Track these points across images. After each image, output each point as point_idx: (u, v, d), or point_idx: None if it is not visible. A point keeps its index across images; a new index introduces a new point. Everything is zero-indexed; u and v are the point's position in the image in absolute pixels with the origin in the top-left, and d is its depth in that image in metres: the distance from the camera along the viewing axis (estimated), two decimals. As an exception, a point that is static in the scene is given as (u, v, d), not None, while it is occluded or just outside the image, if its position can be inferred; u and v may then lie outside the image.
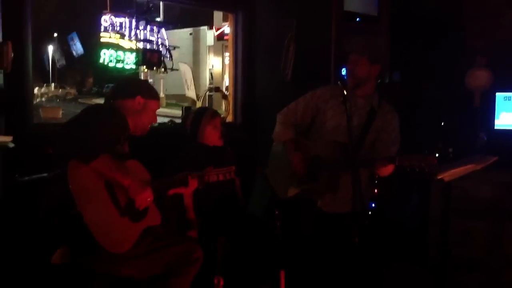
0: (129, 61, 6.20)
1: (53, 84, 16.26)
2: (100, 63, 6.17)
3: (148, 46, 6.26)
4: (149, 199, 2.70)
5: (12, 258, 3.27)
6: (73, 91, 16.90)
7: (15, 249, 3.29)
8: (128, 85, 2.90)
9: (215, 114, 3.69)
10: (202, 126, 3.55)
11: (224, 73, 24.73)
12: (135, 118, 2.78)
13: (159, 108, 2.96)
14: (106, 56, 6.17)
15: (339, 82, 3.20)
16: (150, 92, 2.88)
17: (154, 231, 2.80)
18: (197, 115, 3.63)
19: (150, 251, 2.71)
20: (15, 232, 3.27)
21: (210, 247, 3.07)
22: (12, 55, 2.74)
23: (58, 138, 2.44)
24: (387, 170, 3.06)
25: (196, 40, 25.65)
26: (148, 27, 6.61)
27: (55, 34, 16.56)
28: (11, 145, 3.05)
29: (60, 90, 16.55)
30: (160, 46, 6.44)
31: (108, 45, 6.44)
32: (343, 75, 4.76)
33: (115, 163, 2.53)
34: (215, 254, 3.27)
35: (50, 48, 16.72)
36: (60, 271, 2.62)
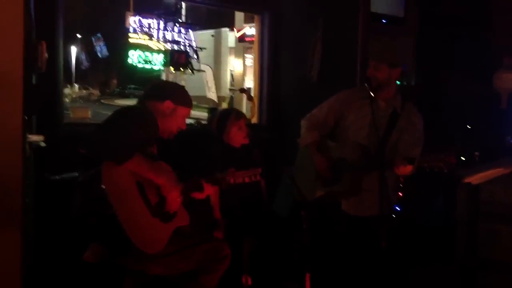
0: (156, 62, 6.24)
1: (76, 85, 16.43)
2: (128, 64, 6.22)
3: (176, 47, 6.29)
4: (178, 199, 2.72)
5: (44, 255, 3.31)
6: (96, 92, 17.07)
7: (47, 247, 3.34)
8: (160, 88, 2.91)
9: (240, 115, 3.71)
10: (228, 127, 3.58)
11: (245, 75, 24.79)
12: (163, 121, 2.77)
13: (189, 115, 2.93)
14: (134, 57, 6.22)
15: (366, 84, 3.21)
16: (182, 98, 2.86)
17: (183, 231, 2.83)
18: (222, 116, 3.65)
19: (180, 250, 2.75)
20: (46, 230, 3.32)
21: (236, 247, 3.09)
22: (47, 55, 2.78)
23: (92, 140, 2.47)
24: (406, 170, 3.04)
25: (218, 41, 25.73)
26: (176, 28, 6.64)
27: (79, 35, 16.74)
28: (43, 144, 3.09)
29: (83, 91, 16.74)
30: (187, 47, 6.47)
31: (137, 46, 6.50)
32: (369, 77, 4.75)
33: (148, 163, 2.56)
34: (241, 254, 3.29)
35: (74, 49, 16.90)
36: (91, 268, 2.66)
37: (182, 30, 6.78)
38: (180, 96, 2.87)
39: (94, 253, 2.62)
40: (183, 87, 3.11)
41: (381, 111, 3.30)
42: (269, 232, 3.50)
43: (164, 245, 2.64)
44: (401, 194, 4.16)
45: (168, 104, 2.78)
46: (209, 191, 3.02)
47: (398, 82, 4.89)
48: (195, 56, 6.28)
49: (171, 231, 2.72)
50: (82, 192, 2.54)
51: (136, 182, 2.56)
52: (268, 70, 4.96)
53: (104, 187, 2.43)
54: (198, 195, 2.99)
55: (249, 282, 3.13)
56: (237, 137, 3.59)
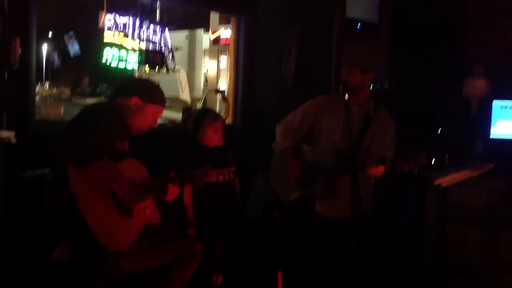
0: (131, 61, 6.19)
1: (47, 83, 16.16)
2: (102, 62, 6.15)
3: (151, 47, 6.26)
4: (147, 210, 2.64)
5: (13, 253, 3.26)
6: (67, 90, 16.80)
7: (16, 245, 3.29)
8: (128, 84, 2.86)
9: (216, 116, 3.73)
10: (203, 127, 3.59)
11: (219, 77, 24.73)
12: (130, 118, 2.73)
13: (160, 113, 2.88)
14: (109, 55, 6.15)
15: (340, 87, 3.26)
16: (151, 95, 2.80)
17: (154, 228, 2.81)
18: (198, 117, 3.65)
19: (151, 246, 2.73)
20: (16, 227, 3.27)
21: (208, 247, 3.09)
22: (20, 51, 2.74)
23: (59, 140, 2.43)
24: (378, 171, 3.09)
25: (192, 42, 25.58)
26: (151, 28, 6.61)
27: (50, 33, 16.49)
28: (14, 140, 3.06)
29: (54, 89, 16.48)
30: (163, 47, 6.44)
31: (111, 45, 6.43)
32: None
33: (111, 171, 2.52)
34: (214, 254, 3.30)
35: (45, 47, 16.65)
36: (62, 267, 2.63)
37: (158, 29, 6.75)
38: (149, 93, 2.80)
39: (63, 252, 2.60)
40: (154, 84, 3.01)
41: (354, 115, 3.35)
42: (242, 232, 3.50)
43: (132, 240, 2.61)
44: (371, 198, 4.23)
45: (135, 101, 2.73)
46: (174, 194, 2.92)
47: (371, 87, 4.98)
48: (171, 56, 6.26)
49: (140, 228, 2.69)
50: (50, 190, 2.52)
51: (102, 177, 2.52)
52: (244, 72, 4.98)
53: (71, 185, 2.40)
54: (164, 198, 2.88)
55: (219, 281, 3.14)
56: (212, 138, 3.60)
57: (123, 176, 2.62)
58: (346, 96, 3.28)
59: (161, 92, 2.89)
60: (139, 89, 2.77)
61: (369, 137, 3.31)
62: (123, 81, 2.94)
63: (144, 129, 2.81)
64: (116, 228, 2.56)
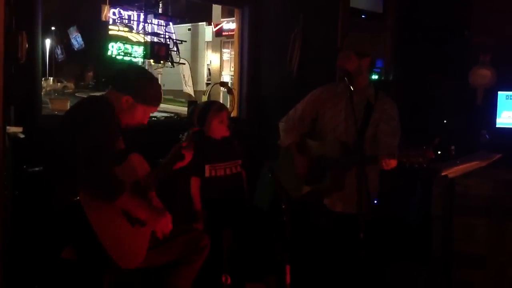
0: (136, 54, 6.19)
1: (51, 78, 16.20)
2: (107, 56, 6.15)
3: (156, 40, 6.26)
4: (169, 226, 2.63)
5: (22, 250, 3.27)
6: (71, 85, 16.85)
7: (24, 241, 3.30)
8: (124, 79, 2.72)
9: (222, 107, 3.72)
10: (209, 119, 3.58)
11: (222, 69, 24.76)
12: (121, 114, 2.65)
13: (151, 112, 2.78)
14: (114, 49, 6.15)
15: (345, 79, 3.23)
16: (144, 96, 2.68)
17: None
18: (204, 109, 3.65)
19: (158, 243, 2.72)
20: (24, 223, 3.28)
21: (216, 240, 3.10)
22: (27, 45, 2.74)
23: (57, 133, 2.41)
24: (390, 165, 3.08)
25: (194, 35, 25.62)
26: (156, 21, 6.62)
27: (53, 28, 16.51)
28: (22, 135, 3.06)
29: (58, 84, 16.52)
30: (168, 39, 6.45)
31: (116, 38, 6.44)
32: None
33: (132, 199, 2.49)
34: (221, 247, 3.30)
35: (48, 41, 16.66)
36: (70, 263, 2.63)
37: (163, 22, 6.75)
38: (142, 93, 2.67)
39: (71, 252, 2.58)
40: (151, 81, 2.80)
41: (356, 104, 3.33)
42: (249, 225, 3.51)
43: (144, 255, 2.59)
44: (378, 189, 4.23)
45: (127, 99, 2.64)
46: (190, 157, 2.93)
47: (374, 76, 4.96)
48: (175, 49, 6.25)
49: (150, 233, 2.66)
50: (60, 203, 2.49)
51: None
52: (248, 64, 4.97)
53: (82, 203, 2.36)
54: (182, 164, 2.91)
55: (229, 281, 3.14)
56: (218, 129, 3.59)
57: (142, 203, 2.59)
58: (347, 83, 3.13)
59: (155, 91, 2.76)
60: (133, 88, 2.65)
61: (373, 125, 3.29)
62: (119, 73, 2.81)
63: (132, 126, 2.72)
64: (129, 243, 2.53)
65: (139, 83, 2.68)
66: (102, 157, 2.35)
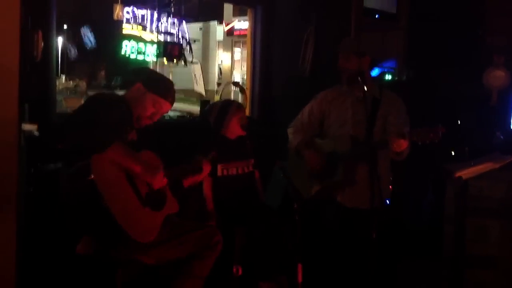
0: (150, 53, 6.22)
1: (63, 76, 16.26)
2: (121, 55, 6.18)
3: (169, 39, 6.29)
4: (164, 180, 2.72)
5: (37, 248, 3.29)
6: (83, 83, 16.89)
7: (38, 237, 3.32)
8: (140, 70, 2.86)
9: (241, 106, 3.75)
10: (229, 117, 3.58)
11: (233, 69, 24.74)
12: (133, 106, 2.70)
13: (163, 108, 2.80)
14: (127, 48, 6.18)
15: (359, 79, 3.24)
16: (155, 86, 2.74)
17: (172, 219, 2.84)
18: (222, 108, 3.64)
19: (171, 238, 2.75)
20: (38, 220, 3.30)
21: (228, 238, 3.10)
22: (42, 44, 2.76)
23: (65, 134, 2.41)
24: (401, 145, 3.07)
25: (206, 34, 25.60)
26: (169, 20, 6.64)
27: (65, 26, 16.60)
28: (36, 133, 3.08)
29: (70, 82, 16.59)
30: (181, 39, 6.47)
31: (130, 37, 6.46)
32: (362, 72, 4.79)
33: (126, 150, 2.52)
34: (233, 245, 3.30)
35: (61, 40, 16.75)
36: (84, 259, 2.66)
37: (176, 21, 6.78)
38: (154, 82, 2.75)
39: (86, 246, 2.62)
40: (165, 78, 2.93)
41: (361, 101, 3.35)
42: (262, 224, 3.51)
43: (155, 234, 2.63)
44: (391, 188, 4.21)
45: (138, 86, 2.71)
46: (207, 171, 3.05)
47: (388, 76, 4.94)
48: (188, 48, 6.27)
49: (161, 220, 2.71)
50: (71, 184, 2.52)
51: (125, 173, 2.54)
52: (261, 64, 4.97)
53: (93, 178, 2.40)
54: (198, 177, 3.03)
55: (240, 272, 3.15)
56: (236, 128, 3.59)
57: (137, 155, 2.62)
58: (361, 83, 3.20)
59: (168, 87, 2.82)
60: (145, 77, 2.74)
61: (381, 120, 3.31)
62: (134, 71, 2.92)
63: (143, 119, 2.75)
64: (141, 220, 2.57)
65: (152, 74, 2.83)
66: (104, 118, 2.43)
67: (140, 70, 2.88)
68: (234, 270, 3.22)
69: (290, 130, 3.58)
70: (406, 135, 3.04)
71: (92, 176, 2.40)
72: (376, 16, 4.97)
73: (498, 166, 3.41)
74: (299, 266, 2.81)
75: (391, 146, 3.08)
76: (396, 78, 5.20)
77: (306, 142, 3.46)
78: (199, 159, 3.03)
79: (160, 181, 2.69)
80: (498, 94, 4.72)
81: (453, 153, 4.26)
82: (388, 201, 4.11)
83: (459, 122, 4.65)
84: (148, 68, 2.85)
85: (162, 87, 2.77)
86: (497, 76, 4.72)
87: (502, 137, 4.49)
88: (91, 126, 2.39)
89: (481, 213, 4.03)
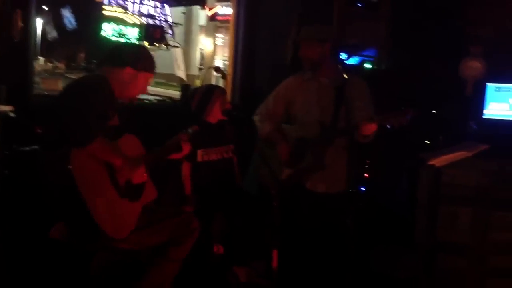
0: (131, 36, 6.16)
1: (41, 58, 16.02)
2: (101, 37, 6.11)
3: (151, 22, 6.23)
4: (144, 175, 2.73)
5: (10, 228, 3.28)
6: (62, 65, 16.67)
7: (13, 220, 3.31)
8: (120, 53, 2.76)
9: (224, 91, 3.77)
10: (212, 102, 3.57)
11: (215, 54, 24.60)
12: (123, 88, 2.69)
13: (151, 79, 2.85)
14: (108, 30, 6.11)
15: (339, 67, 3.29)
16: (143, 64, 2.75)
17: (150, 206, 2.85)
18: (206, 93, 3.63)
19: (149, 225, 2.76)
20: (13, 201, 3.29)
21: (206, 224, 3.13)
22: (21, 24, 2.73)
23: (50, 122, 2.42)
24: (371, 129, 3.13)
25: (188, 19, 25.38)
26: (152, 3, 6.57)
27: (45, 7, 16.34)
28: (12, 114, 3.06)
29: (49, 64, 16.36)
30: (163, 22, 6.41)
31: (111, 19, 6.38)
32: (343, 60, 4.83)
33: (106, 144, 2.51)
34: (211, 230, 3.34)
35: (39, 21, 16.49)
36: (59, 244, 2.65)
37: (158, 4, 6.71)
38: (141, 61, 2.74)
39: (60, 231, 2.60)
40: (144, 48, 2.98)
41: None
42: (239, 209, 3.54)
43: (133, 227, 2.63)
44: (366, 175, 4.27)
45: (128, 71, 2.68)
46: (187, 151, 3.04)
47: (368, 65, 4.98)
48: (170, 32, 6.20)
49: (140, 209, 2.71)
50: (49, 171, 2.49)
51: (105, 163, 2.52)
52: (243, 50, 4.97)
53: (72, 170, 2.37)
54: (177, 156, 3.02)
55: (221, 250, 3.18)
56: (218, 112, 3.59)
57: (117, 148, 2.62)
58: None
59: (151, 57, 2.85)
60: (132, 59, 2.70)
61: (346, 104, 3.34)
62: (112, 50, 2.83)
63: (136, 97, 2.82)
64: (117, 214, 2.56)
65: (135, 54, 2.76)
66: (88, 110, 2.39)
67: (121, 51, 2.80)
68: (215, 249, 3.26)
69: (256, 118, 3.60)
70: (375, 119, 3.09)
71: (70, 166, 2.38)
72: (358, 5, 5.00)
73: (471, 154, 3.48)
74: (275, 252, 2.85)
75: (360, 130, 3.13)
76: (376, 67, 5.25)
77: (276, 131, 3.50)
78: (179, 137, 3.01)
79: (140, 176, 2.70)
80: (473, 85, 4.79)
81: (427, 141, 4.32)
82: (363, 188, 4.19)
83: (434, 111, 4.72)
84: (127, 47, 2.82)
85: (149, 63, 2.79)
86: (473, 67, 4.78)
87: (475, 126, 4.57)
88: (76, 116, 2.36)
89: (454, 201, 4.10)
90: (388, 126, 3.07)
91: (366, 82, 3.51)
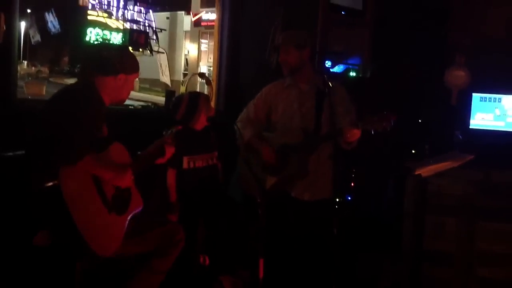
0: (115, 41, 6.12)
1: (25, 61, 15.90)
2: (86, 41, 6.07)
3: (135, 27, 6.21)
4: (131, 177, 2.71)
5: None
6: (45, 69, 16.56)
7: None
8: (111, 61, 2.74)
9: (208, 97, 3.75)
10: (199, 111, 3.54)
11: (200, 60, 24.60)
12: (114, 94, 2.71)
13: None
14: (92, 35, 6.06)
15: (324, 76, 3.29)
16: (132, 66, 2.78)
17: (135, 215, 2.78)
18: (193, 99, 3.59)
19: (134, 234, 2.72)
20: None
21: (190, 231, 3.10)
22: (4, 28, 2.69)
23: (39, 141, 2.38)
24: (355, 135, 3.13)
25: (173, 24, 25.39)
26: (136, 8, 6.56)
27: (29, 10, 16.23)
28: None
29: (32, 68, 16.24)
30: (147, 27, 6.40)
31: (95, 24, 6.35)
32: (328, 67, 4.83)
33: (95, 158, 2.49)
34: (196, 238, 3.30)
35: (23, 24, 16.35)
36: (43, 250, 2.59)
37: (142, 10, 6.70)
38: (130, 64, 2.77)
39: (44, 238, 2.53)
40: (127, 49, 3.03)
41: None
42: (225, 217, 3.51)
43: (120, 242, 2.58)
44: (352, 184, 4.27)
45: (121, 77, 2.70)
46: (171, 153, 3.00)
47: (352, 73, 4.99)
48: (155, 37, 6.18)
49: (126, 221, 2.67)
50: (36, 184, 2.43)
51: (92, 177, 2.49)
52: (228, 55, 4.95)
53: (63, 193, 2.34)
54: (162, 160, 2.99)
55: (207, 261, 3.14)
56: (204, 119, 3.57)
57: (108, 161, 2.59)
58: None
59: (134, 56, 2.87)
60: (123, 65, 2.73)
61: (327, 110, 3.34)
62: (102, 59, 2.77)
63: (125, 99, 2.84)
64: (104, 230, 2.52)
65: (123, 58, 2.77)
66: (77, 128, 2.38)
67: (110, 59, 2.75)
68: (201, 259, 3.22)
69: (238, 125, 3.55)
70: (360, 124, 3.09)
71: (59, 182, 2.34)
72: (342, 13, 5.02)
73: (457, 165, 3.49)
74: (261, 261, 2.83)
75: (344, 136, 3.13)
76: (360, 75, 5.26)
77: (258, 137, 3.48)
78: (161, 140, 2.98)
79: (128, 180, 2.67)
80: (458, 94, 4.82)
81: (413, 151, 4.33)
82: (349, 197, 4.18)
83: (420, 120, 4.74)
84: (114, 54, 2.78)
85: (134, 63, 2.82)
86: (458, 76, 4.81)
87: (461, 136, 4.59)
88: (65, 135, 2.34)
89: (440, 210, 4.12)
90: (372, 131, 3.07)
91: (344, 87, 3.52)
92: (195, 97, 3.64)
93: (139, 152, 2.92)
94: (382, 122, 3.05)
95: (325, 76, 3.39)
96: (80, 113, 2.46)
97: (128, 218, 2.69)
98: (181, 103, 3.59)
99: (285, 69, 3.45)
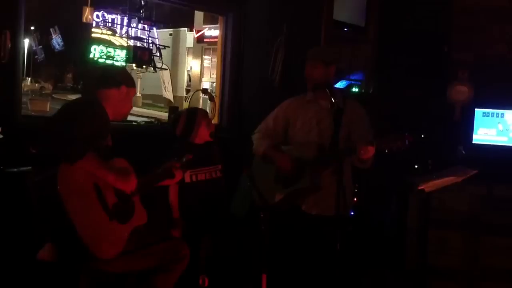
0: (119, 58, 6.17)
1: (29, 78, 15.99)
2: (90, 58, 6.12)
3: (139, 44, 6.27)
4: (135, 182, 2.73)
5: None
6: (49, 86, 16.64)
7: (1, 242, 3.24)
8: (113, 75, 2.90)
9: (206, 112, 3.78)
10: (197, 125, 3.59)
11: (202, 76, 24.74)
12: (117, 107, 2.81)
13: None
14: (96, 52, 6.12)
15: (327, 90, 3.30)
16: (131, 80, 2.95)
17: (139, 230, 2.80)
18: (191, 113, 3.66)
19: (138, 249, 2.72)
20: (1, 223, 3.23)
21: (194, 247, 3.09)
22: (10, 45, 2.72)
23: (41, 138, 2.43)
24: (369, 152, 3.10)
25: (176, 41, 25.58)
26: (140, 25, 6.63)
27: (33, 28, 16.35)
28: (0, 136, 3.02)
29: (36, 84, 16.33)
30: (151, 44, 6.45)
31: (99, 41, 6.40)
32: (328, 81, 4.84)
33: (98, 160, 2.52)
34: (199, 254, 3.29)
35: (27, 42, 16.48)
36: (45, 266, 2.60)
37: (146, 27, 6.77)
38: (129, 79, 2.95)
39: (48, 252, 2.56)
40: (124, 69, 3.26)
41: (325, 110, 3.40)
42: (228, 233, 3.50)
43: (122, 248, 2.60)
44: (355, 199, 4.26)
45: (123, 89, 2.82)
46: (180, 177, 3.10)
47: (355, 89, 5.01)
48: (158, 54, 6.23)
49: (129, 231, 2.68)
50: (37, 193, 2.45)
51: (93, 184, 2.51)
52: (231, 72, 4.97)
53: (60, 191, 2.36)
54: (170, 182, 3.09)
55: (206, 283, 3.13)
56: (205, 133, 3.61)
57: (109, 163, 2.62)
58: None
59: (129, 74, 3.08)
60: (123, 78, 2.88)
61: (345, 128, 3.34)
62: (106, 72, 2.98)
63: (127, 113, 2.98)
64: (105, 235, 2.53)
65: (124, 73, 3.01)
66: (79, 128, 2.46)
67: (114, 73, 2.96)
68: (200, 281, 3.21)
69: (255, 136, 3.60)
70: (374, 142, 3.09)
71: (59, 187, 2.36)
72: (345, 29, 5.05)
73: (460, 179, 3.48)
74: (264, 277, 2.81)
75: (358, 153, 3.12)
76: (363, 91, 5.28)
77: (274, 146, 3.48)
78: (172, 164, 3.04)
79: (132, 185, 2.70)
80: (461, 109, 4.82)
81: (416, 166, 4.33)
82: (352, 213, 4.17)
83: (423, 136, 4.73)
84: (116, 68, 2.90)
85: (132, 79, 2.99)
86: (461, 91, 4.82)
87: (464, 151, 4.59)
88: (68, 133, 2.39)
89: (443, 225, 4.11)
90: (386, 150, 3.06)
91: (363, 107, 3.54)
92: (193, 112, 3.68)
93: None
94: (396, 142, 3.03)
95: (343, 93, 3.41)
96: (83, 116, 2.56)
97: (131, 228, 2.69)
98: (180, 119, 3.64)
99: (309, 84, 3.44)
